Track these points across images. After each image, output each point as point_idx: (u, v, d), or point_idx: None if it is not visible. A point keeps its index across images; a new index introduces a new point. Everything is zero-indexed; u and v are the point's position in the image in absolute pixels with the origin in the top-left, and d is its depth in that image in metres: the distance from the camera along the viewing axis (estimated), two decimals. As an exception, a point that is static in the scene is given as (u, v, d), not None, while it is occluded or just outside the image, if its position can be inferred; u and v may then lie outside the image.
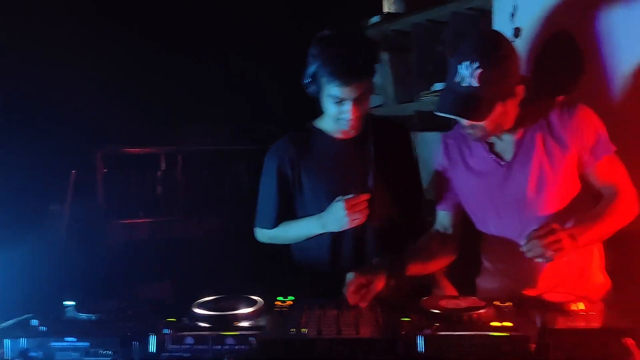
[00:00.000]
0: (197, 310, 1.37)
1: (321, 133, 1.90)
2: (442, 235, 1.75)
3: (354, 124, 1.77)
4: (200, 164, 4.13)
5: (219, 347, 1.20)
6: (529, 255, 1.44)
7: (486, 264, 1.76)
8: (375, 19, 3.18)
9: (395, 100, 3.13)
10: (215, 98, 4.06)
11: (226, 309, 1.37)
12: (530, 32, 2.34)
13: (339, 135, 1.87)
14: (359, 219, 1.75)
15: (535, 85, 2.28)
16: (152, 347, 1.22)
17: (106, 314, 1.39)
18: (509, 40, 1.52)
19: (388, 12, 3.17)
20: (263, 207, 1.95)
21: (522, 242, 1.45)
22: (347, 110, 1.71)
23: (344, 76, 1.65)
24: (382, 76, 3.17)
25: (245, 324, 1.32)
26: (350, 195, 1.74)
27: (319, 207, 1.84)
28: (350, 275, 1.51)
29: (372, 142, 1.86)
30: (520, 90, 1.52)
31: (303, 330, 1.27)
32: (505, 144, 1.62)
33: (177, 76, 3.95)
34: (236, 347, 1.20)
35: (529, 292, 1.52)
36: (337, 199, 1.76)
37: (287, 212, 1.92)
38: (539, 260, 1.45)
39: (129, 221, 3.92)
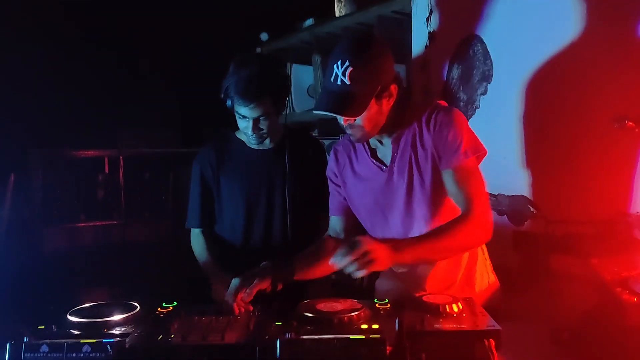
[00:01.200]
0: (69, 318, 1.35)
1: (240, 143, 2.06)
2: (334, 240, 1.75)
3: (259, 138, 1.94)
4: (142, 167, 4.09)
5: (74, 354, 1.19)
6: (347, 271, 1.35)
7: (382, 266, 1.77)
8: (309, 21, 3.19)
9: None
10: (158, 100, 4.03)
11: (97, 316, 1.36)
12: (443, 37, 2.37)
13: (254, 146, 2.02)
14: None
15: (445, 89, 2.33)
16: (8, 355, 1.20)
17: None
18: (382, 41, 1.53)
19: (321, 16, 3.17)
20: (190, 207, 2.11)
21: (331, 259, 1.36)
22: (248, 127, 1.89)
23: (244, 97, 1.82)
24: (314, 79, 3.17)
25: (115, 331, 1.31)
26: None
27: (234, 210, 2.03)
28: (235, 281, 1.51)
29: (285, 153, 2.00)
30: (394, 89, 1.53)
31: (171, 337, 1.26)
32: (386, 149, 1.63)
33: (118, 78, 3.92)
34: (92, 355, 1.19)
35: (418, 294, 1.54)
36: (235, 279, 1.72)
37: (210, 212, 2.08)
38: (354, 275, 1.35)
39: (69, 225, 3.87)
